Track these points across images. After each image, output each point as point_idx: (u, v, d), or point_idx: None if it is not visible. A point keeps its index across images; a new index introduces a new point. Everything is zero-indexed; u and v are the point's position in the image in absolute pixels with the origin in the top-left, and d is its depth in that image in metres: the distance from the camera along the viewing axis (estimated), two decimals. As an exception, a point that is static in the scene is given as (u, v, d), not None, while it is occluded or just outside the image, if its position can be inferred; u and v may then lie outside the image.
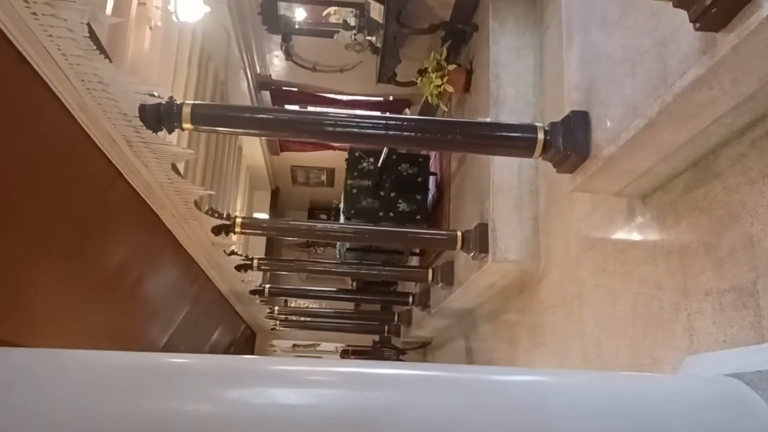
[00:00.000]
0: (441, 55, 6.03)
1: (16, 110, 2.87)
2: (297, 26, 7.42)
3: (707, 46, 2.12)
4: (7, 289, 3.48)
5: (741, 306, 2.40)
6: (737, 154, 2.50)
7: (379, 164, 7.78)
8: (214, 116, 3.46)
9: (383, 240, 6.70)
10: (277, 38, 7.55)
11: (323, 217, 13.48)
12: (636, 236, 3.28)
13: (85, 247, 4.25)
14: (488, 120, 4.99)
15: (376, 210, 7.80)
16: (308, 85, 8.63)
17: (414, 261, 9.15)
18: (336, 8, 7.17)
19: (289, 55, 7.82)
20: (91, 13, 2.52)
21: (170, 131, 3.37)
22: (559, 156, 3.19)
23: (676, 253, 2.87)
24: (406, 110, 8.44)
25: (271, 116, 3.69)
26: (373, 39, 6.75)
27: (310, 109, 8.92)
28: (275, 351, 12.44)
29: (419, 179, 7.94)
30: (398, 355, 9.95)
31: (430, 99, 6.25)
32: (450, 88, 6.01)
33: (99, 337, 5.19)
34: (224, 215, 5.53)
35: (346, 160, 8.18)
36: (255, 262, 7.11)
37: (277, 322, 10.62)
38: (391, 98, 8.86)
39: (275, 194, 12.72)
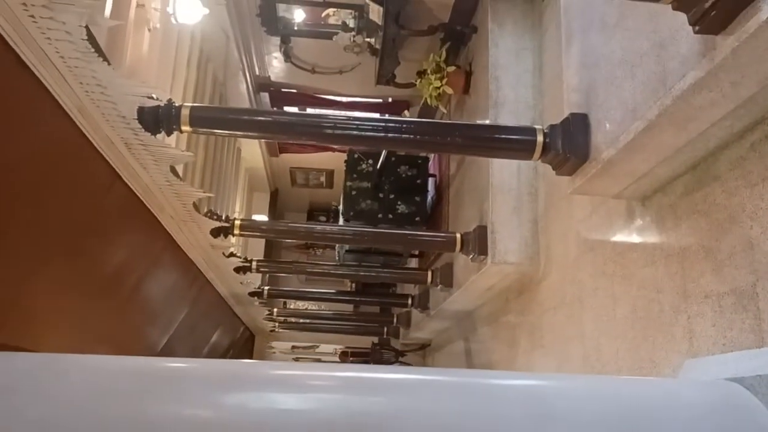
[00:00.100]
0: (440, 57, 6.03)
1: (14, 113, 2.87)
2: (296, 28, 7.42)
3: (706, 48, 2.12)
4: (7, 292, 3.48)
5: (741, 309, 2.39)
6: (737, 157, 2.49)
7: (378, 166, 7.78)
8: (212, 119, 3.45)
9: (382, 242, 6.69)
10: (276, 40, 7.55)
11: (322, 218, 13.47)
12: (635, 239, 3.28)
13: (84, 250, 4.25)
14: (487, 122, 4.99)
15: (375, 212, 7.80)
16: (307, 86, 8.62)
17: (413, 263, 9.14)
18: (335, 10, 7.17)
19: (288, 56, 7.82)
20: (90, 16, 2.52)
21: (169, 134, 3.37)
22: (559, 158, 3.19)
23: (675, 256, 2.87)
24: (405, 112, 8.44)
25: (270, 119, 3.69)
26: (372, 41, 6.75)
27: (309, 110, 8.94)
28: (274, 353, 12.43)
29: (418, 181, 7.94)
30: (397, 356, 9.95)
31: (429, 101, 6.25)
32: (449, 90, 6.01)
33: (98, 339, 5.18)
34: (223, 217, 5.53)
35: (346, 161, 8.18)
36: (254, 264, 7.11)
37: (276, 324, 10.62)
38: (390, 100, 8.86)
39: (274, 196, 12.71)
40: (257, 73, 8.20)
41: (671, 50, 2.37)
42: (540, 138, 3.24)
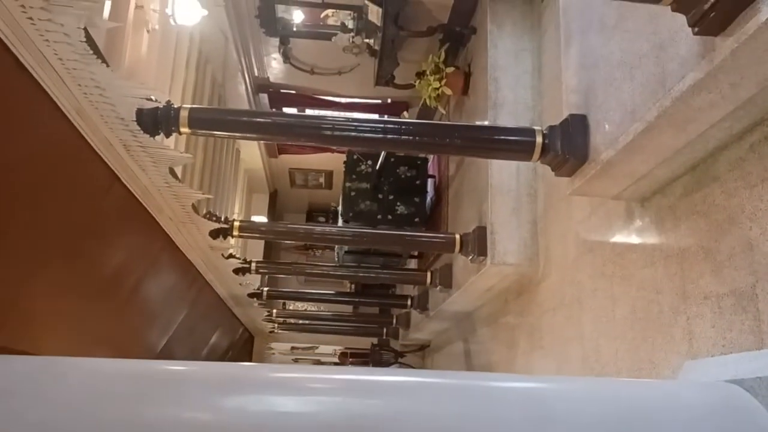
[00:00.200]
0: (439, 58, 6.03)
1: (12, 115, 2.86)
2: (295, 29, 7.42)
3: (706, 50, 2.12)
4: (6, 294, 3.47)
5: (740, 310, 2.39)
6: (736, 158, 2.49)
7: (378, 167, 7.77)
8: (211, 120, 3.45)
9: (382, 243, 6.69)
10: (275, 41, 7.55)
11: (321, 219, 13.47)
12: (635, 240, 3.28)
13: (83, 252, 4.24)
14: (486, 123, 4.99)
15: (374, 213, 7.80)
16: (306, 87, 8.62)
17: (412, 264, 9.14)
18: (334, 11, 7.17)
19: (287, 57, 7.82)
20: (88, 18, 2.51)
21: (168, 135, 3.37)
22: (558, 159, 3.19)
23: (675, 257, 2.87)
24: (405, 113, 8.44)
25: (268, 120, 3.69)
26: (371, 42, 6.75)
27: (308, 111, 8.94)
28: (273, 354, 12.42)
29: (417, 182, 7.94)
30: (397, 357, 9.94)
31: (428, 102, 6.25)
32: (448, 91, 6.01)
33: (97, 340, 5.17)
34: (222, 219, 5.52)
35: (345, 162, 8.17)
36: (253, 265, 7.10)
37: (276, 325, 10.61)
38: (389, 101, 8.86)
39: (273, 197, 12.71)
40: (256, 74, 8.20)
41: (670, 52, 2.37)
42: (539, 139, 3.24)
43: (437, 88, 6.01)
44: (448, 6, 6.16)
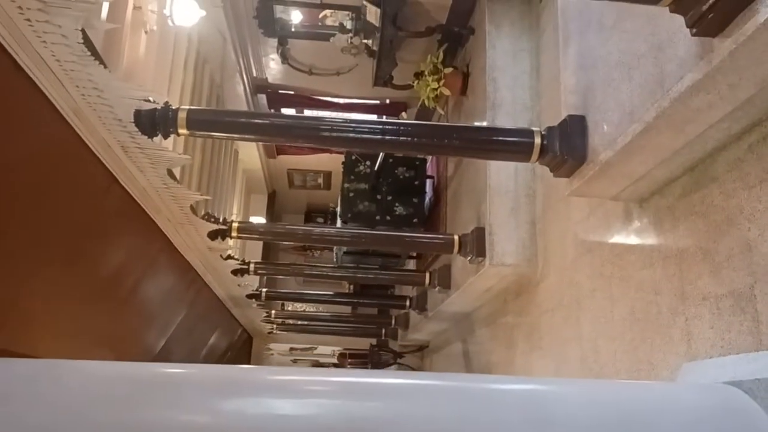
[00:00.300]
0: (437, 58, 6.04)
1: (10, 116, 2.86)
2: (293, 29, 7.41)
3: (704, 51, 2.12)
4: (3, 295, 3.47)
5: (739, 311, 2.39)
6: (734, 158, 2.49)
7: (376, 168, 7.77)
8: (209, 121, 3.45)
9: (380, 244, 6.68)
10: (273, 41, 7.54)
11: (320, 220, 13.46)
12: (633, 240, 3.28)
13: (81, 253, 4.23)
14: (485, 123, 4.99)
15: (373, 213, 7.79)
16: (304, 88, 8.62)
17: (411, 264, 9.14)
18: (332, 11, 7.16)
19: (285, 58, 7.81)
20: (86, 20, 2.51)
21: (166, 136, 3.36)
22: (556, 160, 3.19)
23: (673, 258, 2.87)
24: (403, 113, 8.43)
25: (267, 121, 3.68)
26: (370, 42, 6.75)
27: (306, 112, 8.93)
28: (272, 354, 12.42)
29: (416, 182, 7.93)
30: (395, 358, 9.94)
31: (426, 102, 6.25)
32: (446, 91, 6.02)
33: (96, 342, 5.16)
34: (220, 220, 5.52)
35: (343, 163, 8.16)
36: (251, 266, 7.09)
37: (274, 326, 10.60)
38: (387, 101, 8.86)
39: (272, 197, 12.70)
40: (254, 74, 8.19)
41: (669, 52, 2.37)
42: (537, 140, 3.24)
43: (435, 89, 6.01)
44: (446, 6, 6.16)
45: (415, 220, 7.79)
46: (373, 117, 9.03)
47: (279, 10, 7.15)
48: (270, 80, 8.46)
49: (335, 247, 8.78)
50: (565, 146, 3.12)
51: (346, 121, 3.44)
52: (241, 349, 11.25)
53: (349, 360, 12.79)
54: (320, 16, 7.32)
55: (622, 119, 2.72)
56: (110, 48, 4.32)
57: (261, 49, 7.79)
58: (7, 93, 2.77)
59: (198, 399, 1.64)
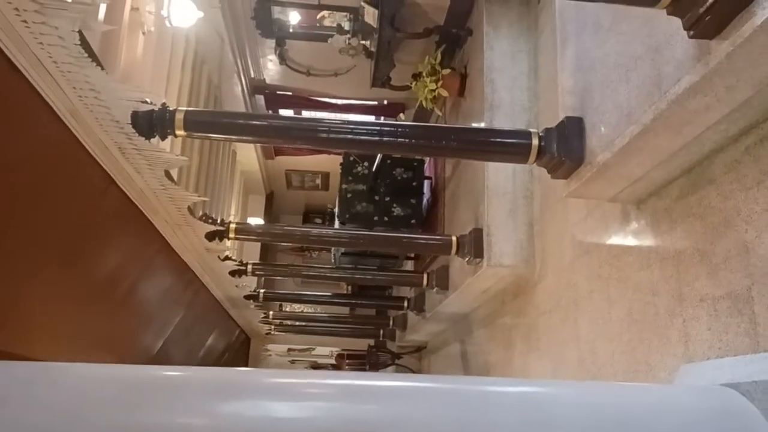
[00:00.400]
0: (435, 60, 6.03)
1: (6, 118, 2.85)
2: (291, 30, 7.40)
3: (701, 53, 2.12)
4: (1, 298, 3.46)
5: (736, 313, 2.39)
6: (732, 160, 2.50)
7: (374, 169, 7.76)
8: (207, 123, 3.44)
9: (378, 245, 6.68)
10: (271, 42, 7.54)
11: (318, 221, 13.45)
12: (631, 242, 3.28)
13: (79, 255, 4.23)
14: (483, 125, 4.99)
15: (371, 214, 7.79)
16: (302, 89, 8.61)
17: (409, 265, 9.13)
18: (330, 12, 7.16)
19: (283, 59, 7.80)
20: (83, 21, 2.50)
21: (163, 138, 3.36)
22: (554, 162, 3.19)
23: (671, 259, 2.87)
24: (401, 114, 8.43)
25: (264, 123, 3.68)
26: (368, 43, 6.74)
27: (304, 113, 8.92)
28: (270, 355, 12.40)
29: (414, 183, 7.93)
30: (393, 359, 9.94)
31: (424, 103, 6.25)
32: (444, 93, 6.01)
33: (93, 343, 5.15)
34: (218, 221, 5.51)
35: (341, 164, 8.16)
36: (249, 267, 7.09)
37: (272, 327, 10.59)
38: (385, 102, 8.85)
39: (270, 198, 12.69)
40: (252, 75, 8.18)
41: (666, 54, 2.37)
42: (535, 141, 3.23)
43: (433, 90, 6.01)
44: (444, 8, 6.16)
45: (413, 221, 7.79)
46: (371, 118, 9.03)
47: (277, 11, 7.14)
48: (268, 81, 8.46)
49: (333, 248, 8.77)
50: (563, 148, 3.12)
51: (343, 122, 3.44)
52: (239, 350, 11.23)
53: (347, 361, 12.79)
54: (318, 17, 7.31)
55: (619, 121, 2.73)
56: (107, 49, 4.32)
57: (259, 50, 7.79)
58: (4, 94, 2.76)
59: (195, 402, 1.63)
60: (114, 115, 3.21)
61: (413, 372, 9.88)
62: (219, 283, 7.19)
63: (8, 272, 3.43)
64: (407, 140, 3.36)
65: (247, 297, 8.14)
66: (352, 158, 8.00)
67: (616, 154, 2.77)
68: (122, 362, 5.54)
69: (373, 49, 6.56)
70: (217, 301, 7.99)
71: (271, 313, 10.08)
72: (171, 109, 3.25)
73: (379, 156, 7.57)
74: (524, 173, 4.84)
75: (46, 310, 4.12)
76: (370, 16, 6.23)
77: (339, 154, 8.53)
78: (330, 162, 10.33)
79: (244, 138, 3.91)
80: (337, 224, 8.29)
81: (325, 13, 7.21)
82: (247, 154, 10.23)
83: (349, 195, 7.92)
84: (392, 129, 3.40)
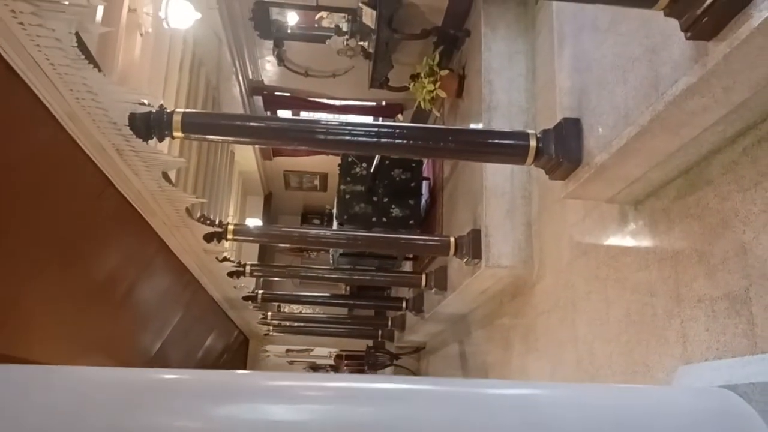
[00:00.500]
0: (433, 61, 6.03)
1: (2, 120, 2.84)
2: (289, 31, 7.39)
3: (698, 54, 2.12)
4: (1, 300, 3.46)
5: (734, 313, 2.39)
6: (729, 161, 2.50)
7: (372, 169, 7.76)
8: (204, 124, 3.44)
9: (376, 246, 6.68)
10: (269, 43, 7.52)
11: (316, 221, 13.44)
12: (629, 243, 3.28)
13: (76, 256, 4.22)
14: (481, 126, 4.99)
15: (369, 215, 7.78)
16: (300, 90, 8.60)
17: (407, 266, 9.13)
18: (328, 13, 7.15)
19: (281, 60, 7.79)
20: (79, 23, 2.50)
21: (161, 140, 3.35)
22: (552, 163, 3.19)
23: (669, 260, 2.87)
24: (399, 116, 8.43)
25: (262, 124, 3.68)
26: (366, 44, 6.74)
27: (302, 114, 8.91)
28: (268, 356, 12.39)
29: (412, 184, 7.93)
30: (392, 359, 9.94)
31: (422, 104, 6.25)
32: (442, 94, 6.02)
33: (92, 345, 5.15)
34: (216, 222, 5.51)
35: (339, 165, 8.16)
36: (247, 268, 7.09)
37: (271, 328, 10.58)
38: (383, 103, 8.85)
39: (268, 199, 12.68)
40: (250, 76, 8.17)
41: (663, 55, 2.37)
42: (533, 143, 3.24)
43: (431, 91, 6.01)
44: (442, 9, 6.16)
45: (411, 222, 7.79)
46: (370, 119, 9.02)
47: (275, 12, 7.14)
48: (266, 82, 8.44)
49: (331, 249, 8.77)
50: (561, 149, 3.12)
51: (341, 124, 3.43)
52: (238, 351, 11.22)
53: (346, 362, 12.79)
54: (316, 18, 7.31)
55: (617, 122, 2.73)
56: (105, 50, 4.31)
57: (257, 51, 7.78)
58: (0, 97, 2.76)
59: (192, 405, 1.63)
60: (111, 116, 3.21)
61: (412, 372, 9.88)
62: (217, 285, 7.18)
63: (6, 274, 3.43)
64: (405, 141, 3.35)
65: (246, 298, 8.14)
66: (350, 159, 7.99)
67: (613, 156, 2.77)
68: (121, 363, 5.56)
69: (371, 50, 6.55)
70: (216, 303, 7.98)
71: (269, 314, 10.07)
72: (168, 110, 3.24)
73: (377, 157, 7.57)
74: (522, 174, 4.84)
75: (44, 312, 4.11)
76: (368, 17, 6.23)
77: (337, 155, 8.52)
78: (328, 163, 10.32)
79: (242, 140, 3.91)
80: (335, 225, 8.28)
81: (323, 14, 7.21)
82: (246, 155, 10.22)
83: (347, 196, 7.92)
84: (390, 130, 3.40)
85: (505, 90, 5.02)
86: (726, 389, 1.83)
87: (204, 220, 5.38)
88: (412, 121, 8.12)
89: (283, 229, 7.13)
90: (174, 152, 5.79)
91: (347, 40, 6.84)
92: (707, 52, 2.07)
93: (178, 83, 6.28)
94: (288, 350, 12.66)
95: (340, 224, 7.90)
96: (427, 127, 5.26)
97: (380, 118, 8.92)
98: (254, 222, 11.19)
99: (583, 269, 3.79)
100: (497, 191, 4.84)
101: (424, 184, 8.07)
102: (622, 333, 3.25)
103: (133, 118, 3.23)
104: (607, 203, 3.40)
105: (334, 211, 8.39)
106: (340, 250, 8.19)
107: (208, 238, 5.37)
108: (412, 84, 6.26)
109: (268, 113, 8.72)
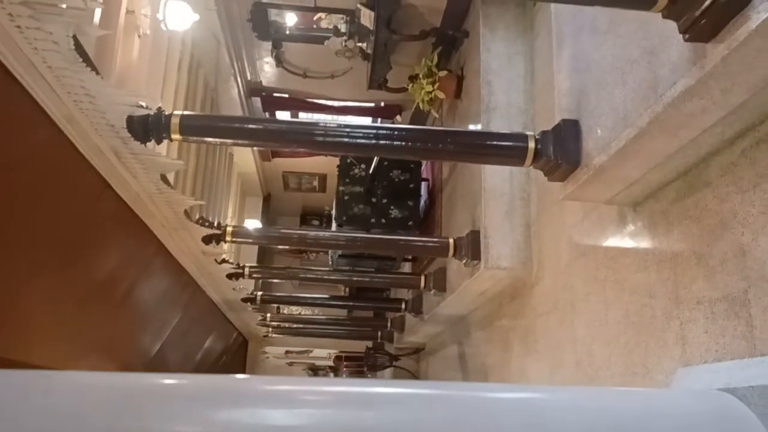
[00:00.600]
0: (432, 62, 6.03)
1: (1, 123, 2.84)
2: (287, 32, 7.39)
3: (697, 56, 2.12)
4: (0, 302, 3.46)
5: (733, 315, 2.39)
6: (728, 163, 2.50)
7: (371, 171, 7.76)
8: (202, 127, 3.43)
9: (375, 248, 6.68)
10: (268, 45, 7.52)
11: (315, 222, 13.44)
12: (627, 244, 3.28)
13: (75, 259, 4.22)
14: (479, 126, 4.99)
15: (368, 216, 7.78)
16: (299, 91, 8.60)
17: (407, 267, 9.13)
18: (326, 14, 7.15)
19: (279, 61, 7.79)
20: (77, 26, 2.49)
21: (159, 142, 3.35)
22: (550, 165, 3.19)
23: (668, 262, 2.87)
24: (398, 117, 8.43)
25: (260, 126, 3.68)
26: (364, 45, 6.74)
27: (301, 115, 8.91)
28: (268, 358, 12.39)
29: (411, 185, 7.93)
30: (391, 361, 9.93)
31: (421, 105, 6.25)
32: (441, 95, 6.01)
33: (91, 346, 5.15)
34: (215, 224, 5.50)
35: (338, 166, 8.16)
36: (246, 270, 7.08)
37: (270, 329, 10.58)
38: (382, 104, 8.85)
39: (267, 200, 12.68)
40: (249, 78, 8.17)
41: (662, 57, 2.37)
42: (531, 144, 3.24)
43: (430, 92, 6.01)
44: (440, 10, 6.16)
45: (410, 223, 7.79)
46: (368, 120, 9.02)
47: (273, 13, 7.13)
48: (264, 83, 8.44)
49: (330, 250, 8.76)
50: (559, 150, 3.12)
51: (340, 126, 3.43)
52: (237, 352, 11.23)
53: (345, 363, 12.79)
54: (314, 19, 7.30)
55: (615, 124, 2.73)
56: (103, 52, 4.30)
57: (255, 52, 7.77)
58: (-2, 99, 2.76)
59: (190, 409, 1.62)
60: (109, 119, 3.20)
61: (411, 373, 9.88)
62: (216, 286, 7.18)
63: (5, 276, 3.42)
64: (404, 143, 3.35)
65: (245, 300, 8.13)
66: (349, 160, 7.99)
67: (612, 157, 2.77)
68: (120, 365, 5.55)
69: (369, 51, 6.55)
70: (215, 304, 7.99)
71: (268, 315, 10.07)
72: (166, 113, 3.24)
73: (376, 158, 7.57)
74: (521, 175, 4.84)
75: (43, 314, 4.11)
76: (367, 18, 6.22)
77: (336, 155, 8.51)
78: (327, 164, 10.32)
79: (240, 142, 3.90)
80: (334, 226, 8.28)
81: (321, 15, 7.20)
82: (244, 156, 10.22)
83: (346, 197, 7.92)
84: (388, 132, 3.40)
85: (504, 91, 5.02)
86: (725, 392, 1.82)
87: (203, 222, 5.38)
88: (410, 122, 8.12)
89: (281, 231, 7.12)
90: (172, 154, 5.78)
91: (345, 41, 6.84)
92: (705, 54, 2.07)
93: (176, 85, 6.28)
94: (287, 351, 12.66)
95: (339, 225, 7.90)
96: (425, 129, 5.26)
97: (379, 119, 8.92)
98: (253, 223, 11.18)
99: (582, 271, 3.79)
100: (496, 192, 4.84)
101: (423, 185, 8.07)
102: (621, 334, 3.24)
103: (131, 120, 3.22)
104: (605, 205, 3.40)
105: (333, 212, 8.38)
106: (339, 252, 8.20)
107: (207, 240, 5.36)
108: (410, 85, 6.26)
109: (267, 114, 8.72)
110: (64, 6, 2.36)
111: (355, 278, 8.40)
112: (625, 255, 3.28)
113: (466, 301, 6.08)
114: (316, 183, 12.22)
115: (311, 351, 12.76)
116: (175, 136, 3.23)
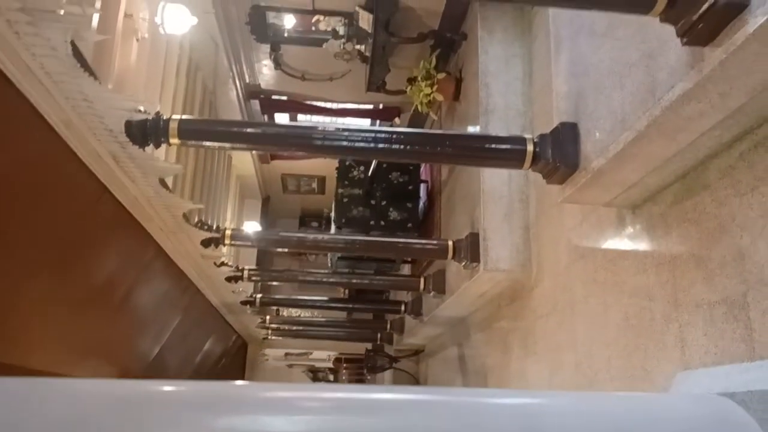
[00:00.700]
0: (430, 64, 6.03)
1: (-1, 128, 2.84)
2: (286, 35, 7.39)
3: (695, 60, 2.12)
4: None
5: (732, 318, 2.39)
6: (726, 166, 2.50)
7: (370, 173, 7.76)
8: (201, 131, 3.42)
9: (374, 250, 6.67)
10: (266, 47, 7.51)
11: (314, 224, 13.43)
12: (626, 247, 3.28)
13: (74, 263, 4.22)
14: (478, 129, 4.99)
15: (367, 219, 7.78)
16: (298, 93, 8.59)
17: (406, 269, 9.13)
18: (324, 17, 7.15)
19: (278, 64, 7.78)
20: (75, 31, 2.49)
21: (157, 147, 3.34)
22: (549, 168, 3.19)
23: (666, 264, 2.87)
24: (396, 119, 8.43)
25: (259, 130, 3.66)
26: (362, 48, 6.74)
27: (300, 117, 8.91)
28: (267, 360, 12.38)
29: (410, 187, 7.93)
30: (391, 362, 9.93)
31: (419, 107, 6.25)
32: (439, 97, 6.02)
33: (90, 350, 5.14)
34: (214, 227, 5.50)
35: (337, 168, 8.16)
36: (245, 272, 7.07)
37: (269, 332, 10.57)
38: (380, 106, 8.85)
39: (266, 203, 12.67)
40: (247, 80, 8.17)
41: (660, 61, 2.37)
42: (530, 147, 3.23)
43: (428, 94, 6.01)
44: (438, 12, 6.16)
45: (409, 225, 7.79)
46: (367, 122, 9.02)
47: (271, 16, 7.13)
48: (263, 86, 8.44)
49: (330, 253, 8.76)
50: (558, 153, 3.12)
51: (338, 129, 3.43)
52: (236, 355, 11.22)
53: (345, 365, 12.78)
54: (313, 21, 7.30)
55: (614, 127, 2.73)
56: (101, 56, 4.30)
57: (253, 55, 7.77)
58: (-4, 105, 2.76)
59: (191, 416, 1.62)
60: (107, 124, 3.20)
61: (411, 375, 9.88)
62: (215, 289, 7.18)
63: (4, 280, 3.42)
64: (402, 146, 3.35)
65: (244, 302, 8.13)
66: (348, 162, 8.00)
67: (610, 160, 2.77)
68: (119, 368, 5.54)
69: (368, 53, 6.55)
70: (214, 307, 7.98)
71: (268, 317, 10.06)
72: (165, 117, 3.23)
73: (374, 160, 7.57)
74: (520, 177, 4.84)
75: (42, 317, 4.11)
76: (365, 20, 6.23)
77: (335, 158, 8.51)
78: (326, 166, 10.31)
79: (239, 146, 3.90)
80: (333, 228, 8.28)
81: (319, 17, 7.20)
82: (243, 159, 10.22)
83: (345, 199, 7.92)
84: (387, 135, 3.40)
85: (502, 93, 5.02)
86: (724, 396, 1.82)
87: (201, 225, 5.37)
88: (409, 124, 8.12)
89: (280, 233, 7.10)
90: (171, 157, 5.78)
91: (344, 43, 6.84)
92: (703, 57, 2.07)
93: (174, 88, 6.28)
94: (287, 354, 12.65)
95: (338, 227, 7.90)
96: (424, 132, 5.25)
97: (377, 121, 8.92)
98: (252, 225, 11.17)
99: (581, 273, 3.79)
100: (495, 195, 4.84)
101: (422, 187, 8.07)
102: (620, 337, 3.24)
103: (129, 125, 3.21)
104: (604, 207, 3.40)
105: (332, 214, 8.38)
106: (339, 254, 8.19)
107: (206, 243, 5.35)
108: (409, 87, 6.26)
109: (266, 117, 8.71)
110: (61, 12, 2.36)
111: (355, 280, 8.40)
112: (624, 258, 3.28)
113: (465, 303, 6.08)
114: (315, 185, 12.22)
115: (311, 353, 12.75)
116: (174, 141, 3.22)
